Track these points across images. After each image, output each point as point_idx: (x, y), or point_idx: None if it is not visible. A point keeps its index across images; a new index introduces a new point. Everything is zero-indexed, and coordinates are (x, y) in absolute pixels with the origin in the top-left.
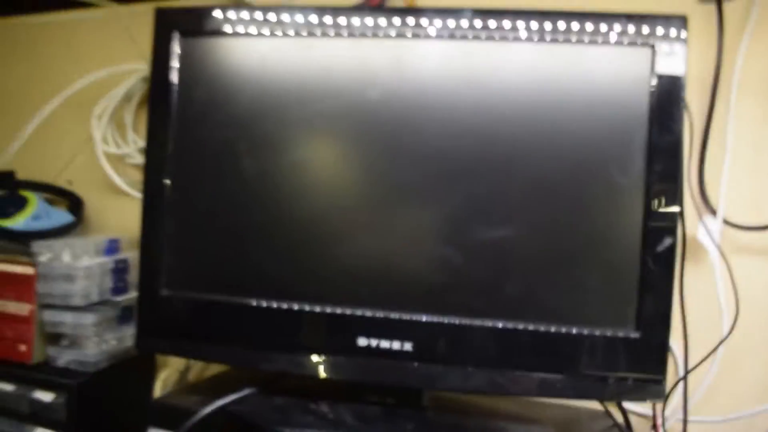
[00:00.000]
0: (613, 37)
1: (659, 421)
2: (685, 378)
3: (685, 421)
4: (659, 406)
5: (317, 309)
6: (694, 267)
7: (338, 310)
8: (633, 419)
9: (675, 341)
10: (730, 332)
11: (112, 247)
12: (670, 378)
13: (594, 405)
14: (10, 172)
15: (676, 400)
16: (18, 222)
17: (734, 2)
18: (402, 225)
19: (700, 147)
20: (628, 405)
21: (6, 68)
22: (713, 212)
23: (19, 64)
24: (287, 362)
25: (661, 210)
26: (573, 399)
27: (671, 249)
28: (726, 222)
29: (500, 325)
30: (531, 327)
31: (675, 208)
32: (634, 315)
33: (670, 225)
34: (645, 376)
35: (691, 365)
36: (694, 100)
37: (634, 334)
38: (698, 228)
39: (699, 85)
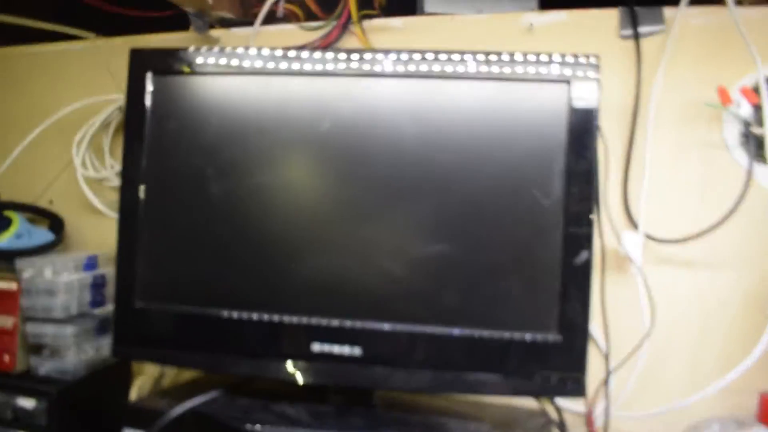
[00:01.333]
0: (535, 75)
1: (593, 417)
2: (607, 377)
3: (607, 415)
4: (593, 402)
5: (276, 318)
6: (618, 276)
7: (295, 319)
8: (568, 417)
9: (604, 343)
10: (647, 335)
11: (91, 263)
12: (600, 377)
13: (531, 404)
14: None
15: (607, 398)
16: (2, 240)
17: (651, 40)
18: (352, 242)
19: (623, 168)
20: (562, 403)
21: None
22: (635, 227)
23: (4, 93)
24: (250, 367)
25: (578, 227)
26: (503, 395)
27: (588, 261)
28: (646, 236)
29: (439, 330)
30: (466, 332)
31: (590, 225)
32: (556, 320)
33: (586, 240)
34: (567, 374)
35: (619, 365)
36: (618, 125)
37: (556, 338)
38: (620, 241)
39: (621, 112)
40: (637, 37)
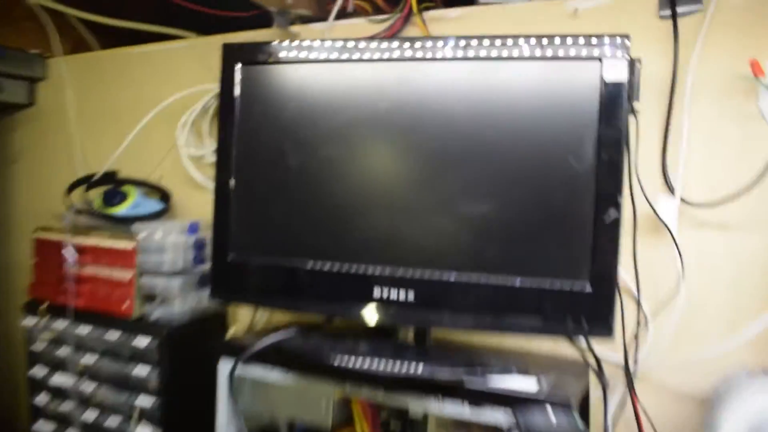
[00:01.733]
0: (570, 54)
1: (630, 365)
2: (638, 329)
3: (636, 361)
4: (630, 351)
5: (344, 267)
6: (655, 238)
7: (360, 268)
8: (607, 367)
9: (643, 299)
10: (680, 281)
11: (193, 227)
12: (634, 330)
13: (573, 354)
14: (115, 171)
15: (643, 349)
16: (121, 210)
17: (688, 18)
18: (408, 204)
19: (662, 138)
20: (601, 352)
21: (113, 89)
22: (672, 192)
23: (120, 86)
24: (322, 308)
25: (608, 189)
26: (539, 335)
27: (617, 219)
28: (682, 199)
29: (483, 278)
30: (507, 280)
31: (619, 187)
32: (588, 271)
33: (615, 201)
34: (596, 317)
35: (655, 319)
36: (657, 99)
37: (587, 286)
38: (657, 204)
39: (661, 86)
40: (675, 16)
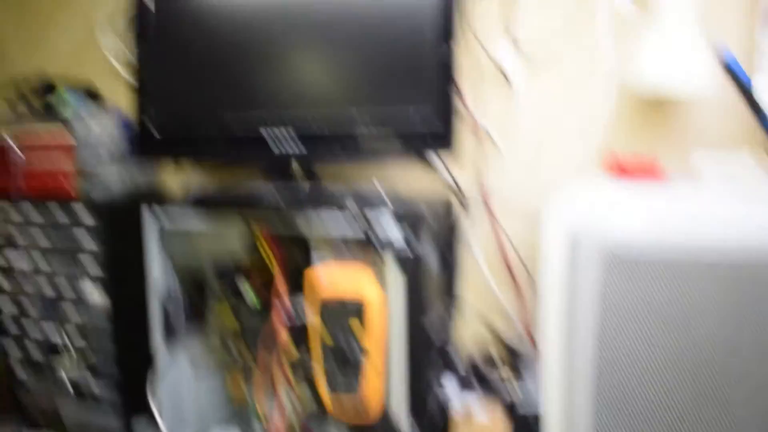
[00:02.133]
0: None
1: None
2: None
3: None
4: (484, 181)
5: (239, 117)
6: (502, 81)
7: (252, 112)
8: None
9: (493, 133)
10: (521, 126)
11: (121, 115)
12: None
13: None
14: (51, 81)
15: (493, 179)
16: (57, 107)
17: None
18: (290, 63)
19: None
20: (461, 183)
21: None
22: (513, 42)
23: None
24: (224, 155)
25: (442, 34)
26: (400, 157)
27: (450, 60)
28: (521, 49)
29: (348, 111)
30: (369, 111)
31: (450, 32)
32: (430, 99)
33: (448, 42)
34: (441, 137)
35: (505, 149)
36: None
37: (433, 108)
38: (499, 52)
39: None
40: None
